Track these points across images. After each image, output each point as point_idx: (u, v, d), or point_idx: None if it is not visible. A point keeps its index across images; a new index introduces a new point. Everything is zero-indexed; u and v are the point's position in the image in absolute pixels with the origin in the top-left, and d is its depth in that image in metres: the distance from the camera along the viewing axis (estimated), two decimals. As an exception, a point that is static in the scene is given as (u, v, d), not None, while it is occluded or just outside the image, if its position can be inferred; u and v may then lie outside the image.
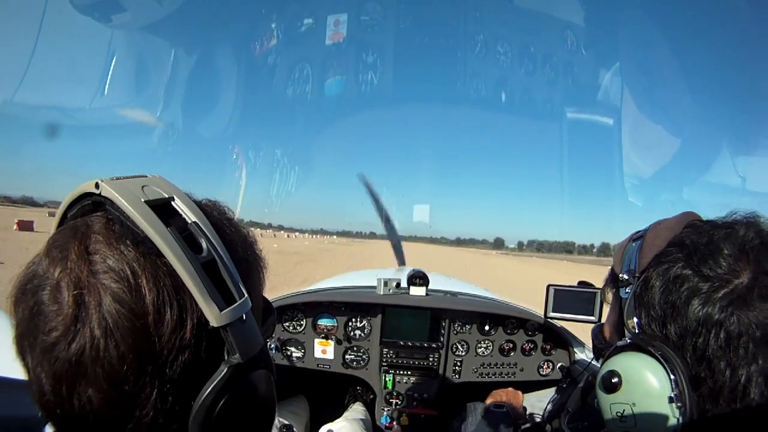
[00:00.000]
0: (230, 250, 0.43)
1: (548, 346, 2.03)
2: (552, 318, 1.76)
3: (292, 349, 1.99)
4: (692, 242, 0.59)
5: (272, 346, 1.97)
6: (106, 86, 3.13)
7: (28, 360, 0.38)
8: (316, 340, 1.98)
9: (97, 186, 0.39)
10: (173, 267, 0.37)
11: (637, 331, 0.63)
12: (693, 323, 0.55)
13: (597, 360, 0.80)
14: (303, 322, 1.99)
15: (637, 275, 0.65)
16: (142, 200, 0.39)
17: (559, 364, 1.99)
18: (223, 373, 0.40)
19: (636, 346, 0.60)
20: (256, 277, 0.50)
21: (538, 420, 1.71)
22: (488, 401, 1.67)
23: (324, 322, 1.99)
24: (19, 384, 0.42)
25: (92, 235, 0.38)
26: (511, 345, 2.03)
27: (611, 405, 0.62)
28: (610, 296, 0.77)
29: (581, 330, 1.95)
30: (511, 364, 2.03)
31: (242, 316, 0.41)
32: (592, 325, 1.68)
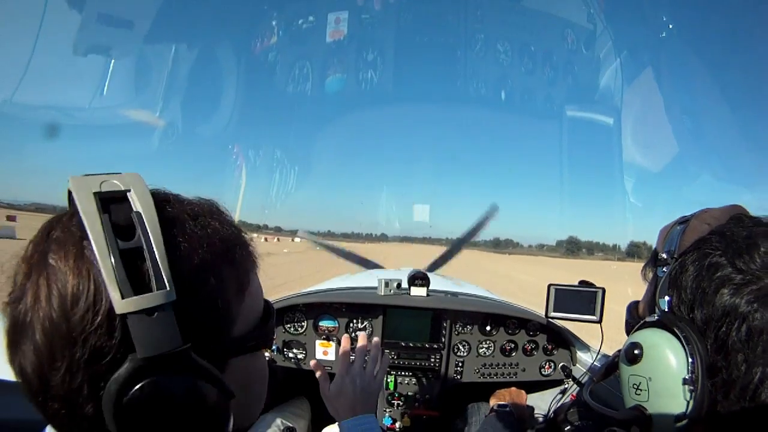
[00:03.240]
0: (172, 243, 0.42)
1: (550, 346, 2.03)
2: (553, 318, 1.76)
3: (294, 350, 1.99)
4: (732, 234, 0.60)
5: (274, 347, 1.97)
6: (105, 85, 3.11)
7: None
8: (318, 342, 1.98)
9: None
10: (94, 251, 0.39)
11: (666, 310, 0.64)
12: (719, 311, 0.56)
13: (628, 335, 0.82)
14: (304, 324, 1.99)
15: (675, 257, 0.67)
16: (93, 191, 0.41)
17: (561, 364, 1.99)
18: (125, 366, 0.39)
19: (662, 324, 0.62)
20: (216, 277, 0.46)
21: (541, 420, 1.71)
22: (492, 401, 1.67)
23: (325, 324, 1.99)
24: (19, 386, 0.43)
25: (56, 224, 0.43)
26: (512, 345, 2.03)
27: (630, 376, 0.65)
28: (650, 275, 0.78)
29: (582, 329, 1.95)
30: (512, 365, 2.03)
31: (151, 309, 0.38)
32: (594, 324, 1.71)
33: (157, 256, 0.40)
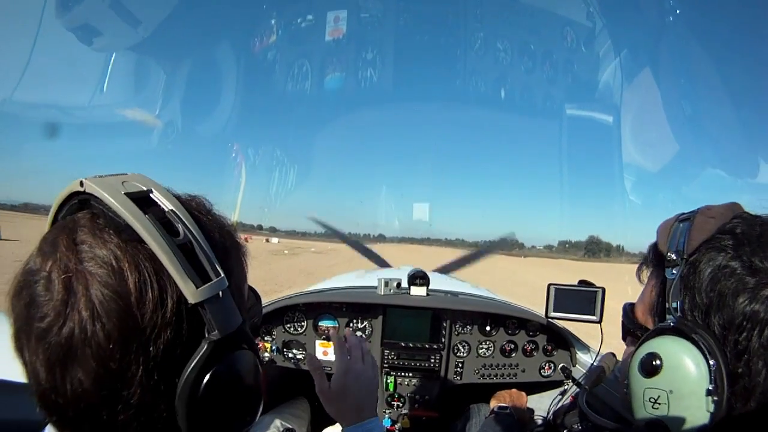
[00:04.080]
0: (206, 236, 0.47)
1: (549, 347, 2.03)
2: (553, 318, 1.75)
3: (294, 350, 1.99)
4: (743, 233, 0.58)
5: (274, 347, 1.97)
6: (105, 85, 3.10)
7: (26, 353, 0.41)
8: (318, 342, 1.97)
9: (81, 184, 0.43)
10: (152, 250, 0.41)
11: (679, 315, 0.61)
12: (739, 317, 0.54)
13: (624, 339, 0.77)
14: (304, 324, 1.98)
15: (684, 257, 0.63)
16: (123, 192, 0.43)
17: (561, 365, 1.98)
18: (204, 349, 0.42)
19: (679, 331, 0.59)
20: (234, 262, 0.52)
21: (541, 421, 1.71)
22: (492, 403, 1.66)
23: (325, 324, 1.98)
24: (20, 387, 0.42)
25: (79, 228, 0.42)
26: (512, 346, 2.03)
27: (646, 388, 0.60)
28: (645, 275, 0.73)
29: (581, 330, 1.94)
30: (512, 365, 2.03)
31: (219, 294, 0.43)
32: (594, 324, 1.70)
33: (206, 248, 0.45)
